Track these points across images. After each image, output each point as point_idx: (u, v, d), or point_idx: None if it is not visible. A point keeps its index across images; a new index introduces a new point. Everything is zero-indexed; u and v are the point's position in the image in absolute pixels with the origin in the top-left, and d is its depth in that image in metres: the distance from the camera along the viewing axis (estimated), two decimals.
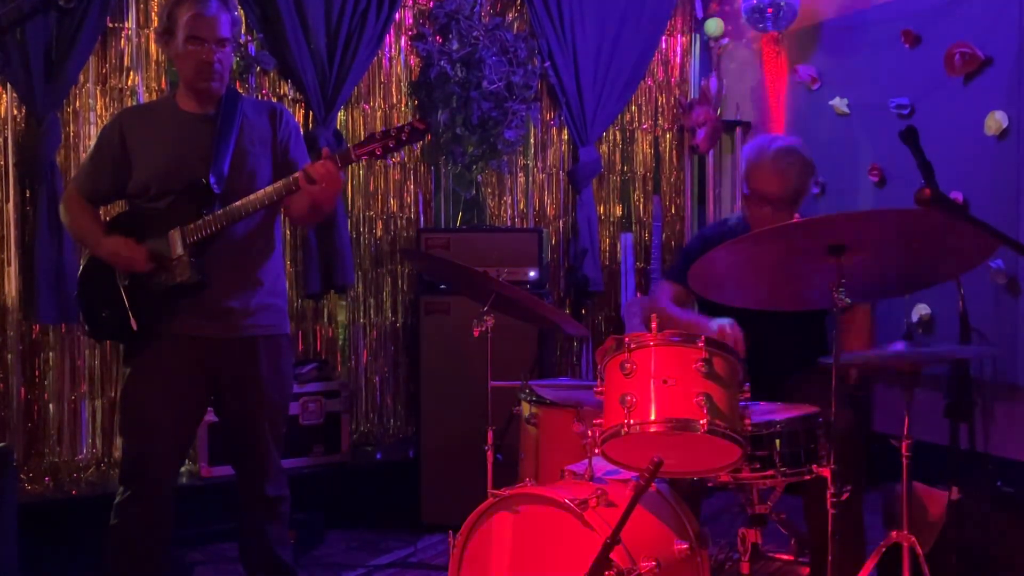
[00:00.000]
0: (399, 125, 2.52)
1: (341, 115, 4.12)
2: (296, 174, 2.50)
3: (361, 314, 4.27)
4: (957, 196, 3.47)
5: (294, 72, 3.96)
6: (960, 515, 2.93)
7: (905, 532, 2.24)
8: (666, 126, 4.84)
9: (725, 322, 2.59)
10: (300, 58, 3.93)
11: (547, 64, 4.33)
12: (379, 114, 4.27)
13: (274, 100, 3.97)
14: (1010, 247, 1.85)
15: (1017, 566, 2.86)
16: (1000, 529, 2.97)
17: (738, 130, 4.72)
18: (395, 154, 3.77)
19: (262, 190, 2.54)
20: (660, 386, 2.13)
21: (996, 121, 3.48)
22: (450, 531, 2.35)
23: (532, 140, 4.54)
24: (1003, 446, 3.26)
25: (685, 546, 2.25)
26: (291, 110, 3.91)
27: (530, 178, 4.58)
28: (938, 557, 2.87)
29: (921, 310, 3.60)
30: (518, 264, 3.81)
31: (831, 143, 4.08)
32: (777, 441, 2.26)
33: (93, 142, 2.75)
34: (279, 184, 2.53)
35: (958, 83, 3.59)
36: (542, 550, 2.22)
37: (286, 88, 4.08)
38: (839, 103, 4.11)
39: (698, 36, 4.82)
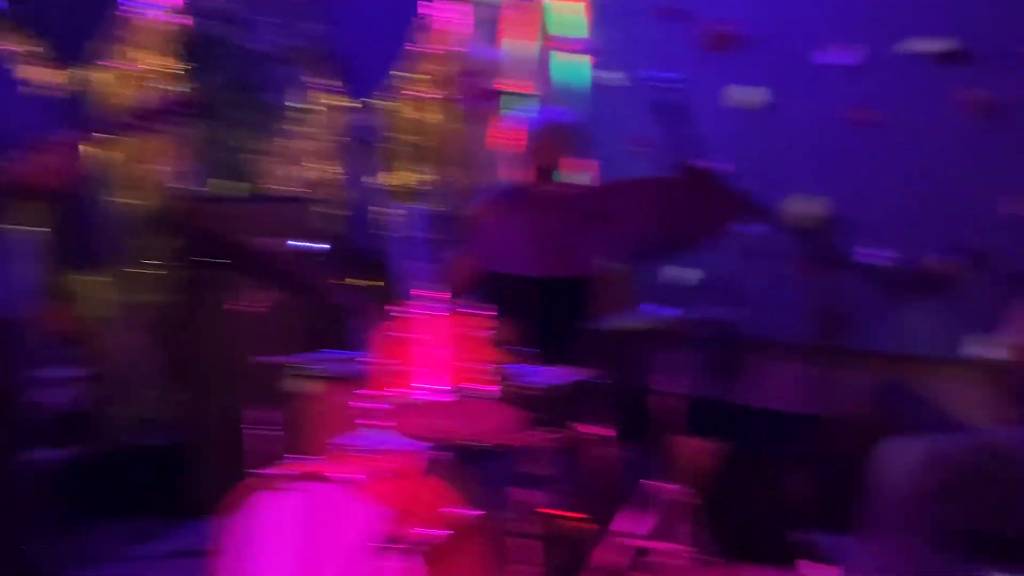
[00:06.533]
0: (164, 100, 2.34)
1: (93, 74, 3.79)
2: None
3: (123, 292, 3.98)
4: (720, 168, 3.66)
5: (33, 19, 3.59)
6: (730, 466, 3.12)
7: (678, 486, 2.37)
8: (446, 94, 4.81)
9: None
10: (41, 5, 3.57)
11: (323, 26, 4.19)
12: (137, 73, 3.96)
13: (10, 51, 3.58)
14: (761, 218, 1.96)
15: (777, 512, 3.06)
16: (765, 477, 3.19)
17: (514, 99, 4.77)
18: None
19: None
20: (441, 354, 2.14)
21: (757, 96, 3.71)
22: (218, 515, 2.23)
23: (307, 105, 4.39)
24: (762, 398, 3.52)
25: (472, 512, 2.25)
26: (31, 65, 3.54)
27: (306, 145, 4.43)
28: (711, 508, 3.05)
29: (685, 273, 3.81)
30: (294, 235, 3.66)
31: (600, 114, 4.20)
32: (555, 403, 2.34)
33: None
34: None
35: (722, 58, 3.78)
36: (320, 529, 2.15)
37: (26, 40, 3.69)
38: (608, 75, 4.23)
39: (476, 4, 4.81)
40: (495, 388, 2.08)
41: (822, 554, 2.38)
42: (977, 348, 2.25)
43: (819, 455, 2.74)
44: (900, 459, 2.03)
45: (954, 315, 3.18)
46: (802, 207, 3.61)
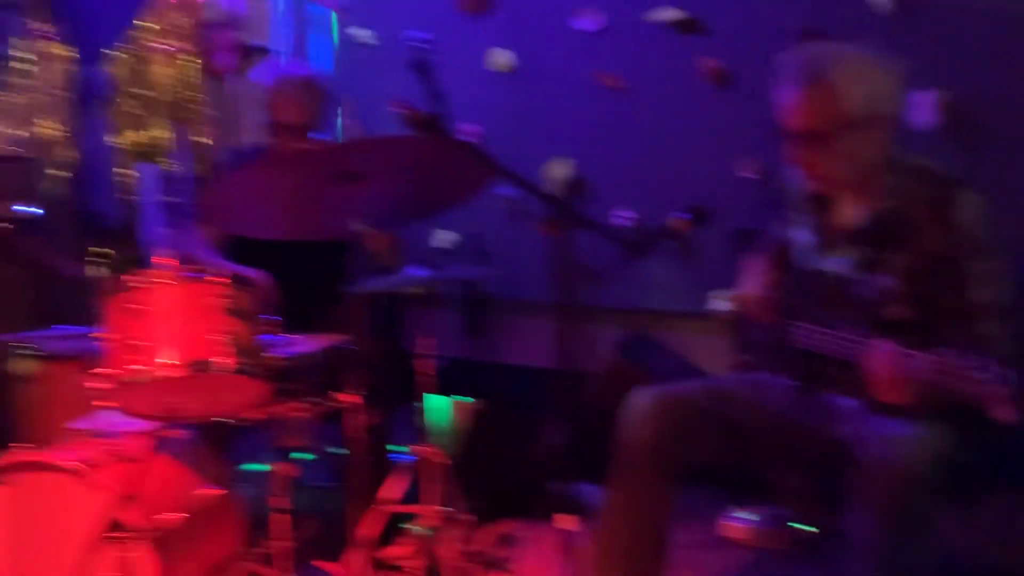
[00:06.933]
0: None
1: None
2: None
3: None
4: (474, 129, 3.68)
5: None
6: (483, 422, 3.18)
7: (432, 446, 2.38)
8: (187, 48, 4.51)
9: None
10: None
11: None
12: None
13: None
14: (510, 179, 1.99)
15: (532, 467, 3.15)
16: (519, 432, 3.27)
17: (260, 56, 4.57)
18: None
19: None
20: (176, 326, 2.00)
21: (505, 58, 3.76)
22: None
23: (26, 55, 3.98)
24: (514, 355, 3.62)
25: (215, 491, 2.17)
26: None
27: (27, 99, 4.02)
28: (467, 466, 3.09)
29: (442, 236, 3.82)
30: (9, 199, 3.35)
31: (354, 73, 4.12)
32: (305, 373, 2.25)
33: None
34: None
35: (472, 21, 3.80)
36: (45, 522, 1.99)
37: None
38: (363, 34, 4.15)
39: None
40: (232, 360, 1.97)
41: (577, 505, 2.46)
42: (712, 302, 2.39)
43: (571, 408, 2.83)
44: (637, 407, 2.14)
45: (691, 271, 3.39)
46: (550, 169, 3.71)
